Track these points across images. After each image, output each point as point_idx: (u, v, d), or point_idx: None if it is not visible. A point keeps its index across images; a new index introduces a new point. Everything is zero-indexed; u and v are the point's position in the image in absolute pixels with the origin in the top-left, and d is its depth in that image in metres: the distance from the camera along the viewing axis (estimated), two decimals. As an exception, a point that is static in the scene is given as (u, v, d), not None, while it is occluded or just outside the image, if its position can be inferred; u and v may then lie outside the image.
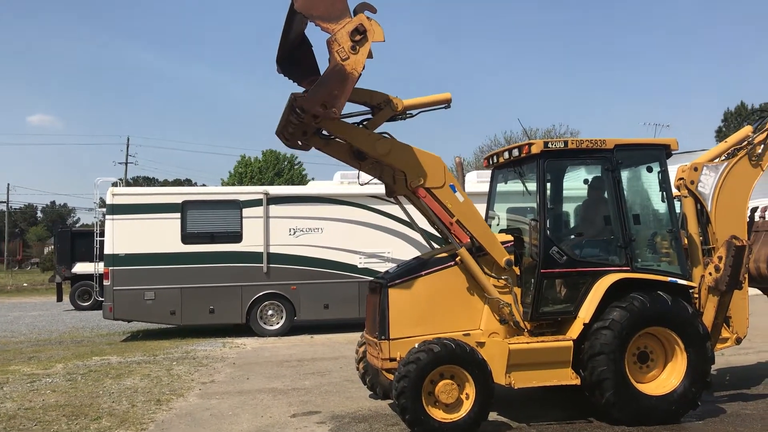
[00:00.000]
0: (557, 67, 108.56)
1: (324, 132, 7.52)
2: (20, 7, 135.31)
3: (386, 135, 7.55)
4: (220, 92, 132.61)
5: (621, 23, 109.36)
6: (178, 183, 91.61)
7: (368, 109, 7.65)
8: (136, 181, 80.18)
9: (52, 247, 64.55)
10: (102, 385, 10.38)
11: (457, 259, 7.62)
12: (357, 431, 7.48)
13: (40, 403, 9.17)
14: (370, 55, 6.73)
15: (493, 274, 7.67)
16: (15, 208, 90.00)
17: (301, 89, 7.42)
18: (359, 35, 6.67)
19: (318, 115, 6.83)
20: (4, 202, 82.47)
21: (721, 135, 58.48)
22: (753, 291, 9.55)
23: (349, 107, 7.22)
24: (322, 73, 6.86)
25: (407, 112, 7.82)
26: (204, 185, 76.34)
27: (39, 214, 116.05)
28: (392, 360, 7.40)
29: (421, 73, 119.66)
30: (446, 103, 8.01)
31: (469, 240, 7.60)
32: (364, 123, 7.62)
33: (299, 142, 7.70)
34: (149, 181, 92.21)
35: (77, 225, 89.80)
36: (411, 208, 8.36)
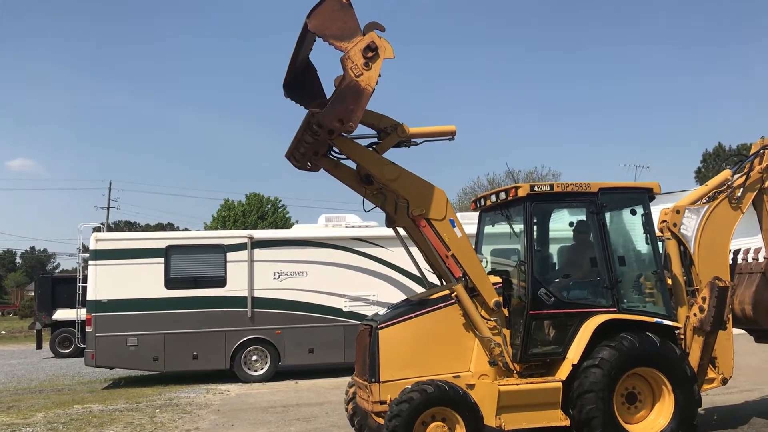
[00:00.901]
0: (537, 108, 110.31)
1: (334, 153, 7.70)
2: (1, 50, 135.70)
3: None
4: (204, 135, 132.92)
5: (599, 66, 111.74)
6: (160, 227, 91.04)
7: (375, 132, 7.82)
8: (118, 226, 79.73)
9: (32, 293, 63.75)
10: (84, 433, 10.18)
11: (453, 294, 7.68)
12: (347, 477, 7.39)
13: (21, 454, 8.98)
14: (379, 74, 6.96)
15: (483, 315, 7.72)
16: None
17: (305, 112, 7.57)
18: (371, 52, 6.94)
19: (335, 129, 7.07)
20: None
21: (700, 175, 59.61)
22: (736, 330, 9.68)
23: (358, 130, 7.40)
24: (328, 95, 7.10)
25: (412, 140, 7.99)
26: (186, 229, 76.03)
27: (18, 260, 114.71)
28: (382, 403, 7.38)
29: (402, 110, 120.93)
30: (451, 135, 8.19)
31: (461, 274, 7.67)
32: (373, 146, 7.78)
33: (309, 163, 7.89)
34: (131, 226, 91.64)
35: (57, 270, 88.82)
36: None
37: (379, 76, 6.96)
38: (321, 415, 11.11)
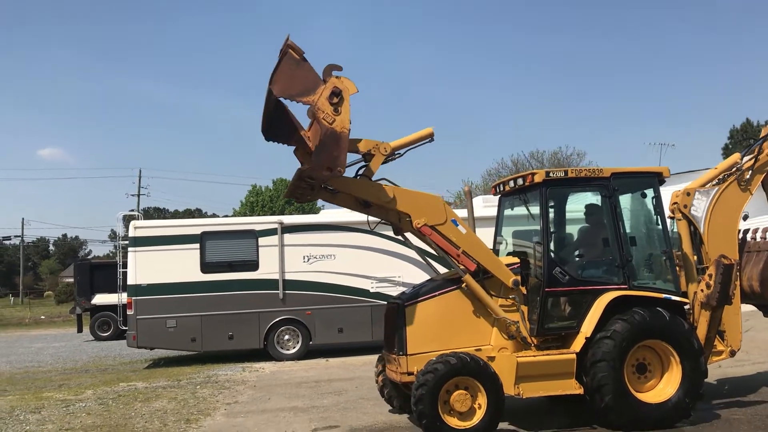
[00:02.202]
0: (563, 88, 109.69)
1: (329, 187, 8.18)
2: (29, 41, 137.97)
3: (386, 180, 8.20)
4: (231, 122, 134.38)
5: (625, 44, 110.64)
6: (188, 213, 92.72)
7: (360, 156, 8.31)
8: (148, 213, 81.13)
9: (67, 279, 65.45)
10: (133, 407, 10.97)
11: (462, 285, 8.22)
12: (378, 442, 8.04)
13: (79, 425, 9.77)
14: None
15: (500, 295, 8.27)
16: (27, 242, 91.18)
17: (291, 148, 8.03)
18: (336, 97, 7.40)
19: (326, 178, 7.58)
20: (18, 236, 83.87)
21: (727, 152, 59.00)
22: (752, 308, 10.12)
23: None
24: (305, 127, 7.64)
25: (395, 153, 8.46)
26: (215, 215, 77.35)
27: (51, 248, 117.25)
28: (410, 374, 8.02)
29: (430, 100, 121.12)
30: (429, 138, 8.66)
31: (475, 267, 8.20)
32: (362, 171, 8.27)
33: (309, 197, 8.45)
34: (160, 213, 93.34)
35: (89, 257, 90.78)
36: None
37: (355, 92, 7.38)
38: (351, 389, 11.80)
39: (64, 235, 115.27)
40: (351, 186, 8.10)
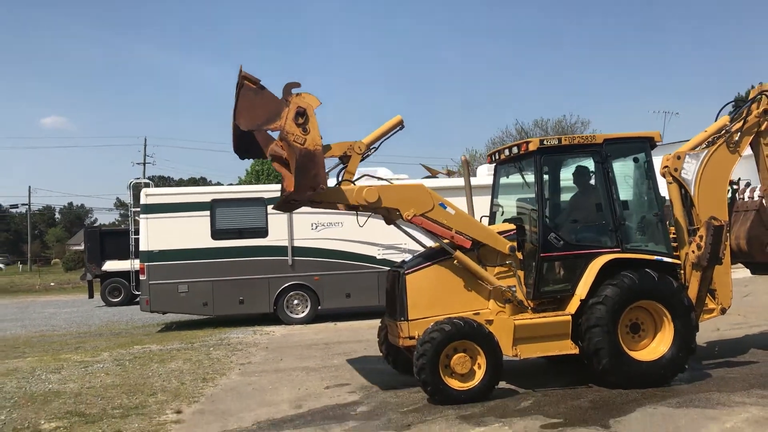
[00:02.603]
0: (567, 56, 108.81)
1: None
2: (30, 8, 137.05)
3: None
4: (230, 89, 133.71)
5: (631, 12, 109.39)
6: (193, 182, 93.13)
7: (338, 159, 8.64)
8: (153, 181, 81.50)
9: (79, 247, 66.10)
10: (149, 368, 11.50)
11: (455, 262, 8.54)
12: (384, 398, 8.53)
13: (99, 383, 10.30)
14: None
15: (497, 263, 8.64)
16: (34, 210, 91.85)
17: (266, 159, 8.37)
18: (302, 117, 7.57)
19: (312, 198, 7.85)
20: (25, 204, 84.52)
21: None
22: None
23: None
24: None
25: (371, 148, 8.80)
26: (219, 183, 77.75)
27: (57, 216, 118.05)
28: (411, 338, 8.43)
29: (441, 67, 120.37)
30: (400, 126, 8.99)
31: (471, 242, 8.53)
32: (342, 175, 8.61)
33: (297, 207, 8.95)
34: (165, 181, 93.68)
35: (95, 225, 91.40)
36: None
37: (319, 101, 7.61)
38: (360, 351, 12.30)
39: (70, 204, 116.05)
40: (336, 196, 8.30)
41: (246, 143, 8.20)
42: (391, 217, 8.83)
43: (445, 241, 8.58)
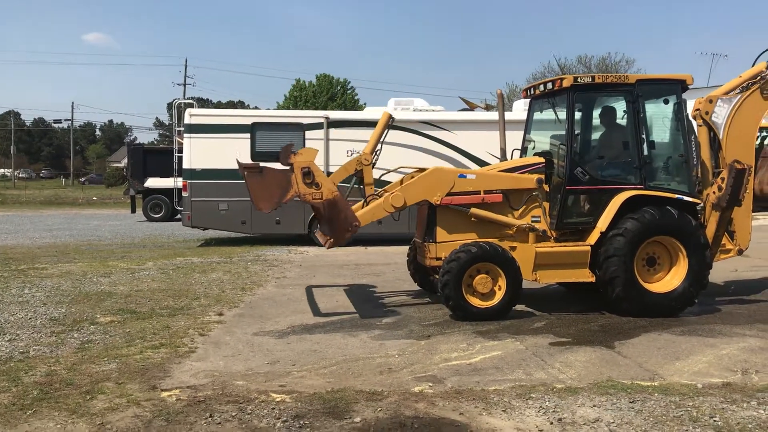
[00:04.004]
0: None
1: None
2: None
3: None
4: (279, 15, 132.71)
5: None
6: (231, 105, 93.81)
7: (353, 177, 9.38)
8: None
9: (119, 164, 67.58)
10: (192, 277, 12.30)
11: (471, 219, 9.00)
12: (408, 312, 9.19)
13: (146, 288, 11.12)
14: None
15: (522, 204, 9.09)
16: (75, 126, 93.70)
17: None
18: (308, 177, 8.12)
19: (351, 236, 8.52)
20: (68, 120, 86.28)
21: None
22: None
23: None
24: None
25: (375, 152, 9.59)
26: (257, 108, 78.28)
27: (97, 133, 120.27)
28: (438, 259, 9.00)
29: None
30: (390, 120, 9.74)
31: (502, 196, 9.02)
32: (361, 187, 9.43)
33: None
34: (203, 103, 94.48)
35: (136, 143, 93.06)
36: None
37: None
38: (388, 272, 12.96)
39: (110, 121, 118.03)
40: (368, 218, 8.87)
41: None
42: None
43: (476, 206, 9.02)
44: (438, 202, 8.93)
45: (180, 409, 5.40)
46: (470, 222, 9.07)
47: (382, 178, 17.00)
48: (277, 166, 8.58)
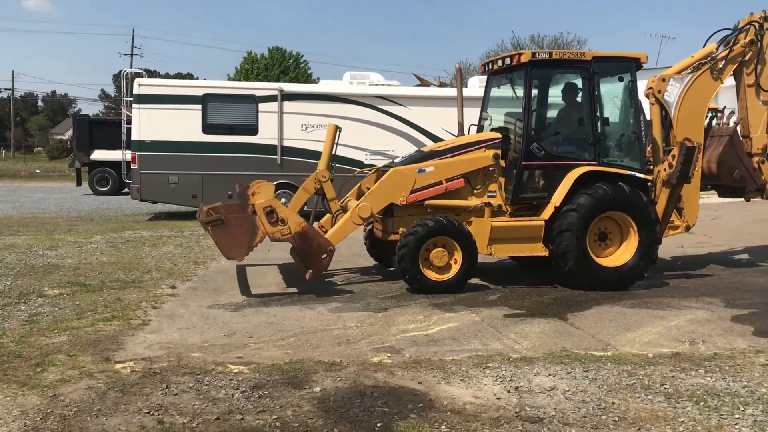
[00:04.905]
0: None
1: None
2: None
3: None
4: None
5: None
6: (180, 77, 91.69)
7: (316, 197, 9.58)
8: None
9: (62, 136, 65.62)
10: (142, 250, 12.06)
11: (428, 210, 9.01)
12: (365, 286, 9.21)
13: (95, 261, 10.86)
14: None
15: (479, 183, 9.17)
16: (15, 96, 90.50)
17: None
18: (272, 215, 8.19)
19: (329, 262, 8.52)
20: (8, 89, 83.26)
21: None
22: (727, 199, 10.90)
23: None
24: None
25: (330, 167, 9.79)
26: (205, 80, 76.82)
27: (40, 104, 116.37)
28: (395, 233, 9.03)
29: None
30: (338, 131, 9.97)
31: (464, 181, 9.07)
32: (328, 205, 9.61)
33: None
34: (152, 75, 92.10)
35: (81, 114, 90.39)
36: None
37: None
38: (343, 247, 12.77)
39: (53, 92, 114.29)
40: (340, 234, 8.96)
41: None
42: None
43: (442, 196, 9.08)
44: (404, 203, 8.94)
45: (135, 380, 5.30)
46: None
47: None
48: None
